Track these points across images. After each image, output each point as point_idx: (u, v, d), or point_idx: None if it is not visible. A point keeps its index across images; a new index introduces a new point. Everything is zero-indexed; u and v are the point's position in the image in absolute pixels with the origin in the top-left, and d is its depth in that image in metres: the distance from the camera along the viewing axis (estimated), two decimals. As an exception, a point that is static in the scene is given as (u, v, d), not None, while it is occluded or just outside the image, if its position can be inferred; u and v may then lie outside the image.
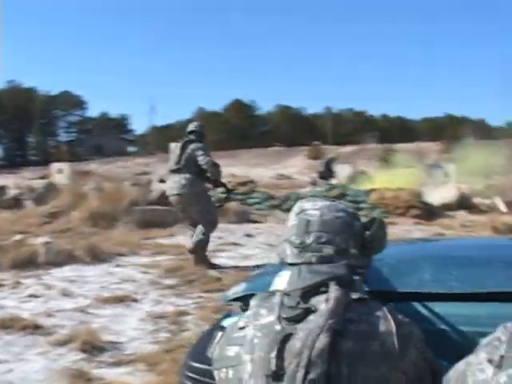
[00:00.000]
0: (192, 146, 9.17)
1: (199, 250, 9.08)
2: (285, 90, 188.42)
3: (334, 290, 1.88)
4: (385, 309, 1.91)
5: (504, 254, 3.39)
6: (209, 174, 9.30)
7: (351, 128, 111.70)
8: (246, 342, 1.86)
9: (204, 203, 9.30)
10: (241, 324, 1.95)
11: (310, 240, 2.02)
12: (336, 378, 1.72)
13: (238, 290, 3.37)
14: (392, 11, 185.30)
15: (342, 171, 26.78)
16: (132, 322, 6.13)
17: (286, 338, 1.78)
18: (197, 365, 3.11)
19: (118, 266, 8.92)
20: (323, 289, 1.91)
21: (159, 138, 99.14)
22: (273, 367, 1.74)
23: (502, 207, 17.08)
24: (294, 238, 2.05)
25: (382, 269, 3.01)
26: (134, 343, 5.45)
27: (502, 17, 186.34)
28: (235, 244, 11.49)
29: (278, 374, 1.74)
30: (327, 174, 21.44)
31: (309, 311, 1.84)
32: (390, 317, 1.86)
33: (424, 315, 2.66)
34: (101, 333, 5.57)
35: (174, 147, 9.71)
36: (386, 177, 25.43)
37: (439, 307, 2.69)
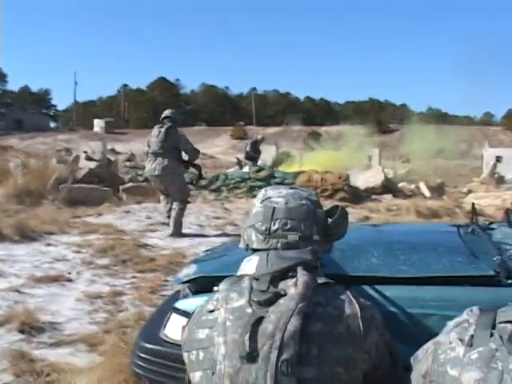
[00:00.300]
0: (175, 132, 10.13)
1: (178, 226, 10.12)
2: (210, 69, 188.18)
3: (302, 275, 1.98)
4: (348, 293, 2.02)
5: (446, 240, 3.53)
6: (187, 158, 10.42)
7: (276, 109, 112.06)
8: (217, 324, 1.92)
9: (181, 183, 10.40)
10: (210, 307, 2.01)
11: (275, 227, 2.12)
12: (307, 359, 1.82)
13: (189, 272, 3.42)
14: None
15: (268, 153, 26.90)
16: (68, 302, 6.06)
17: (258, 320, 1.86)
18: (148, 345, 3.14)
19: (48, 244, 8.76)
20: (291, 273, 2.01)
21: (82, 114, 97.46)
22: (247, 349, 1.82)
23: (426, 192, 17.51)
24: (260, 225, 2.15)
25: (333, 253, 3.11)
26: (72, 323, 5.40)
27: (426, 13, 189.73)
28: (165, 224, 11.45)
29: (252, 356, 1.82)
30: (254, 154, 21.40)
31: (279, 295, 1.92)
32: (354, 300, 1.98)
33: (374, 298, 2.76)
34: (38, 313, 5.48)
35: (155, 131, 10.26)
36: (311, 159, 25.71)
37: (388, 290, 2.80)
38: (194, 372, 1.96)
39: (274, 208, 2.15)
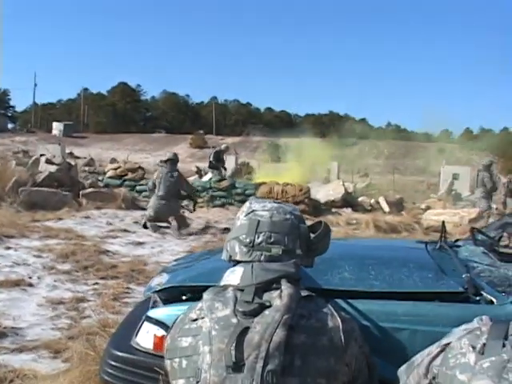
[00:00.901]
0: (176, 175, 12.29)
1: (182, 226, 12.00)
2: (172, 76, 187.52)
3: (286, 287, 2.01)
4: (330, 306, 2.06)
5: (416, 256, 3.60)
6: (186, 193, 12.77)
7: (236, 119, 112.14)
8: (202, 333, 1.94)
9: (178, 213, 12.27)
10: (193, 316, 2.03)
11: (259, 239, 2.14)
12: (290, 369, 1.85)
13: (161, 281, 3.43)
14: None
15: (228, 162, 26.87)
16: (30, 307, 6.01)
17: (244, 331, 1.89)
18: (119, 353, 3.13)
19: (8, 248, 8.67)
20: (275, 285, 2.04)
21: (41, 117, 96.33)
22: (233, 358, 1.84)
23: (386, 207, 17.67)
24: (244, 237, 2.17)
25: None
26: (34, 329, 5.35)
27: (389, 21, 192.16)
28: (126, 231, 11.41)
29: (237, 365, 1.84)
30: (217, 164, 21.27)
31: (264, 306, 1.95)
32: (335, 313, 2.02)
33: (347, 312, 2.80)
34: (-1, 317, 5.45)
35: (163, 175, 12.23)
36: (271, 170, 25.77)
37: (361, 304, 2.85)
38: (176, 380, 1.98)
39: (259, 221, 2.17)
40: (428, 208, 17.71)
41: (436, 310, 2.75)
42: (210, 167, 21.17)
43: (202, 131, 79.17)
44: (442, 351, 1.80)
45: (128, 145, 68.07)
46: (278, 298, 1.97)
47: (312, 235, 2.30)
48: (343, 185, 18.40)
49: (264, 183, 17.91)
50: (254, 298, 1.98)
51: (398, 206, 17.87)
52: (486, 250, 3.75)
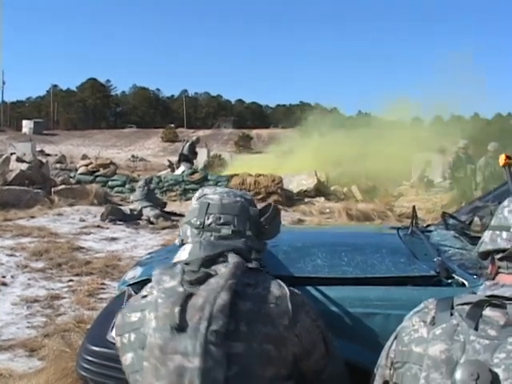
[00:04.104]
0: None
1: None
2: (142, 71, 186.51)
3: (232, 257, 2.05)
4: (278, 280, 2.09)
5: (388, 241, 3.63)
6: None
7: (207, 112, 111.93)
8: (149, 304, 1.96)
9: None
10: (144, 293, 2.05)
11: (209, 221, 2.18)
12: (236, 335, 1.88)
13: (135, 274, 3.43)
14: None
15: (200, 155, 26.78)
16: (4, 306, 5.98)
17: (189, 296, 1.91)
18: (95, 348, 3.12)
19: (-20, 247, 8.62)
20: (222, 259, 2.07)
21: (10, 115, 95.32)
22: (177, 320, 1.85)
23: (358, 195, 17.71)
24: (195, 220, 2.20)
25: (278, 255, 3.17)
26: (10, 328, 5.33)
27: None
28: (99, 227, 11.35)
29: (182, 326, 1.85)
30: (192, 156, 21.10)
31: (209, 275, 1.98)
32: (283, 285, 2.05)
33: (320, 298, 2.83)
34: (-27, 317, 5.41)
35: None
36: (243, 162, 25.73)
37: (334, 291, 2.87)
38: (125, 355, 1.99)
39: (209, 204, 2.21)
40: (400, 195, 17.78)
41: (409, 293, 2.77)
42: (182, 160, 20.90)
43: (173, 125, 78.85)
44: (395, 337, 1.87)
45: (99, 141, 67.65)
46: (224, 268, 2.00)
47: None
48: (316, 174, 18.39)
49: (236, 175, 17.89)
50: (201, 269, 2.01)
51: (370, 193, 17.90)
52: (457, 234, 3.79)
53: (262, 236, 2.33)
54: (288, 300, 1.98)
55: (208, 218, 2.17)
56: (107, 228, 11.45)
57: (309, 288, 2.87)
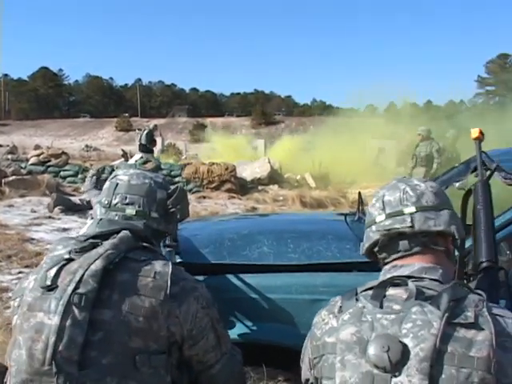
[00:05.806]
0: None
1: None
2: (95, 59, 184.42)
3: (122, 233, 2.11)
4: (169, 262, 2.14)
5: (334, 228, 3.65)
6: None
7: (161, 101, 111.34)
8: (36, 270, 2.05)
9: None
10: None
11: (116, 200, 2.28)
12: (106, 302, 1.94)
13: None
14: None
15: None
16: (-48, 299, 5.87)
17: (68, 261, 1.99)
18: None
19: None
20: (115, 236, 2.12)
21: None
22: (48, 282, 1.93)
23: (312, 182, 17.77)
24: (104, 199, 2.30)
25: (224, 242, 3.16)
26: (-44, 321, 5.22)
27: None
28: (50, 217, 11.21)
29: (51, 287, 1.93)
30: (150, 146, 20.68)
31: (95, 245, 2.06)
32: (170, 264, 2.10)
33: (265, 286, 2.82)
34: None
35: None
36: (197, 150, 25.68)
37: (279, 278, 2.87)
38: (14, 316, 2.06)
39: (117, 184, 2.30)
40: (354, 182, 17.89)
41: (354, 279, 2.77)
42: (142, 151, 20.43)
43: (127, 114, 78.39)
44: (309, 336, 1.96)
45: (52, 130, 66.89)
46: (111, 240, 2.08)
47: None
48: (269, 162, 18.40)
49: (190, 163, 17.83)
50: (88, 240, 2.08)
51: (324, 180, 17.99)
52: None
53: (170, 217, 2.38)
54: (168, 277, 2.03)
55: (115, 198, 2.27)
56: (59, 219, 11.32)
57: (253, 275, 2.87)
